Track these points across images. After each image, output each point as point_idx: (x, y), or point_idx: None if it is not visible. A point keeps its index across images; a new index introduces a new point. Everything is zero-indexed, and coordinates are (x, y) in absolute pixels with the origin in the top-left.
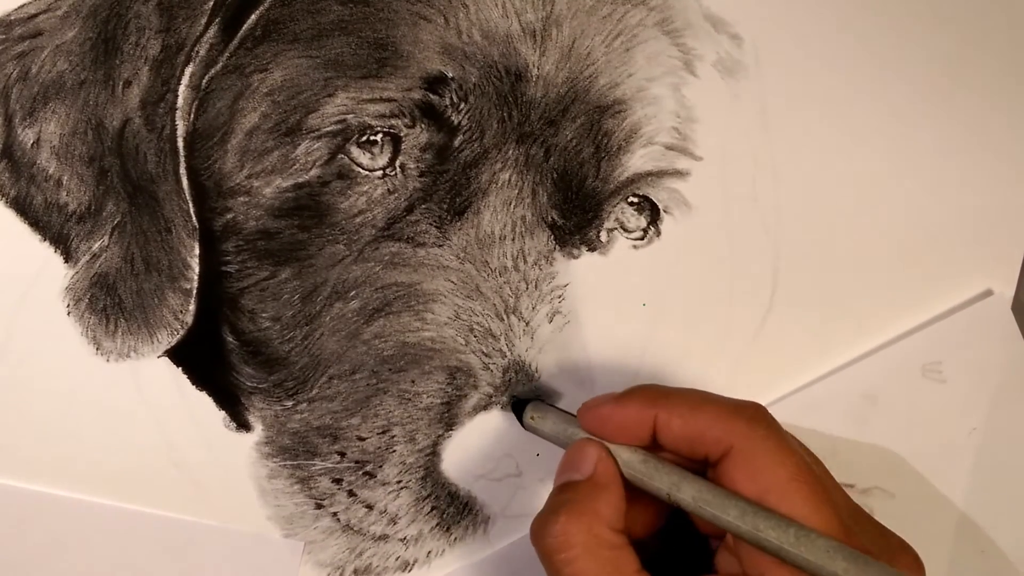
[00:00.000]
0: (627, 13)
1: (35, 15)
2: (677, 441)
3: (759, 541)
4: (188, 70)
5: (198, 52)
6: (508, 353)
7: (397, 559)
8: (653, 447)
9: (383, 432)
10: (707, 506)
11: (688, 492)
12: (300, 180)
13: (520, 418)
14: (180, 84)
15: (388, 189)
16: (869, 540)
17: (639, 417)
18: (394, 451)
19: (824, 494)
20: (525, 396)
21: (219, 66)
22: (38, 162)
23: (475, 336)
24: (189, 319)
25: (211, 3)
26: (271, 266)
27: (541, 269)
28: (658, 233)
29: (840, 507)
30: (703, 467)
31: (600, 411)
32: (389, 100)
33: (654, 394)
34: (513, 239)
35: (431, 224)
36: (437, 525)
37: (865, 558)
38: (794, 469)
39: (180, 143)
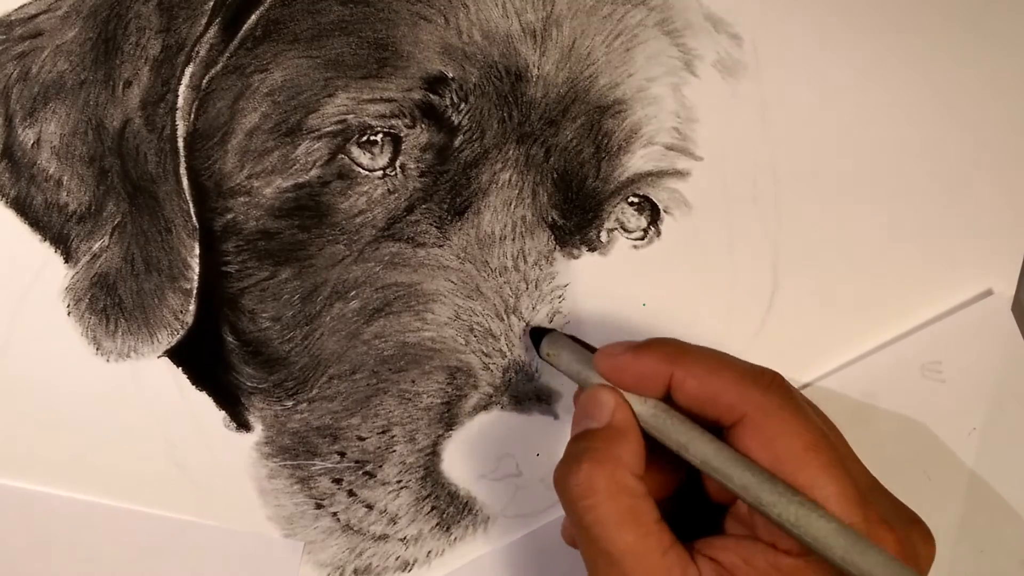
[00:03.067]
0: (627, 13)
1: (35, 15)
2: (690, 401)
3: (762, 512)
4: (188, 70)
5: (198, 52)
6: (508, 353)
7: (397, 559)
8: (668, 399)
9: (383, 432)
10: (713, 471)
11: (697, 453)
12: (300, 180)
13: (537, 347)
14: (180, 84)
15: (388, 189)
16: (884, 511)
17: (655, 371)
18: (394, 451)
19: (840, 464)
20: (543, 327)
21: (219, 66)
22: (38, 162)
23: (475, 336)
24: (189, 319)
25: (211, 3)
26: (271, 266)
27: (541, 269)
28: (658, 233)
29: (857, 478)
30: (718, 425)
31: (617, 360)
32: (389, 100)
33: (672, 350)
34: (513, 239)
35: (431, 224)
36: (437, 525)
37: (865, 541)
38: (810, 439)
39: (180, 143)
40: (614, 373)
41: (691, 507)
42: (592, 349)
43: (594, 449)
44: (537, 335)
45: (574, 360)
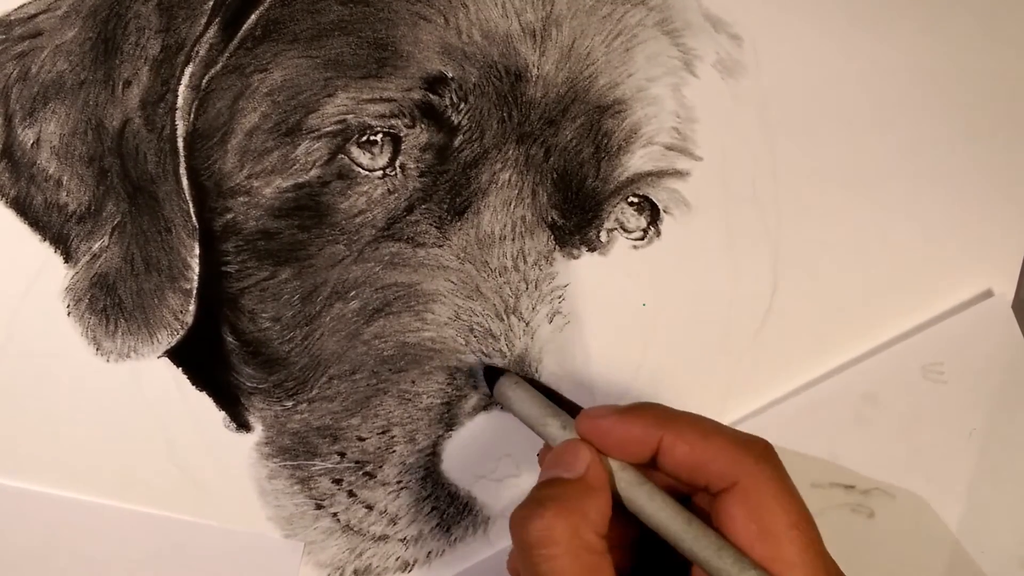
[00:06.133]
0: (627, 13)
1: (35, 15)
2: (679, 467)
3: None
4: (188, 70)
5: (198, 52)
6: (508, 353)
7: (397, 559)
8: (648, 465)
9: (383, 432)
10: (687, 548)
11: (672, 529)
12: (300, 180)
13: (491, 386)
14: (180, 84)
15: (388, 189)
16: None
17: (643, 436)
18: (394, 451)
19: (818, 547)
20: (496, 367)
21: (219, 66)
22: (38, 162)
23: (475, 336)
24: (189, 319)
25: (211, 3)
26: (271, 266)
27: (541, 269)
28: (658, 233)
29: (829, 564)
30: (697, 492)
31: (601, 424)
32: (389, 100)
33: (661, 415)
34: (513, 239)
35: (431, 224)
36: (437, 525)
37: None
38: (796, 517)
39: (180, 143)
40: (597, 436)
41: (658, 551)
42: (545, 392)
43: (563, 499)
44: (492, 374)
45: (533, 405)
